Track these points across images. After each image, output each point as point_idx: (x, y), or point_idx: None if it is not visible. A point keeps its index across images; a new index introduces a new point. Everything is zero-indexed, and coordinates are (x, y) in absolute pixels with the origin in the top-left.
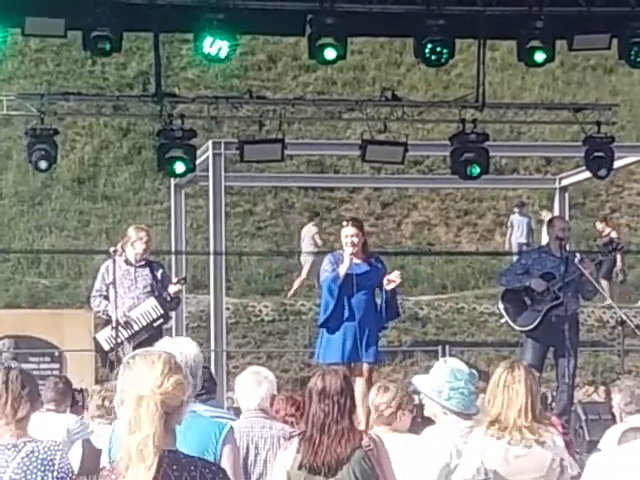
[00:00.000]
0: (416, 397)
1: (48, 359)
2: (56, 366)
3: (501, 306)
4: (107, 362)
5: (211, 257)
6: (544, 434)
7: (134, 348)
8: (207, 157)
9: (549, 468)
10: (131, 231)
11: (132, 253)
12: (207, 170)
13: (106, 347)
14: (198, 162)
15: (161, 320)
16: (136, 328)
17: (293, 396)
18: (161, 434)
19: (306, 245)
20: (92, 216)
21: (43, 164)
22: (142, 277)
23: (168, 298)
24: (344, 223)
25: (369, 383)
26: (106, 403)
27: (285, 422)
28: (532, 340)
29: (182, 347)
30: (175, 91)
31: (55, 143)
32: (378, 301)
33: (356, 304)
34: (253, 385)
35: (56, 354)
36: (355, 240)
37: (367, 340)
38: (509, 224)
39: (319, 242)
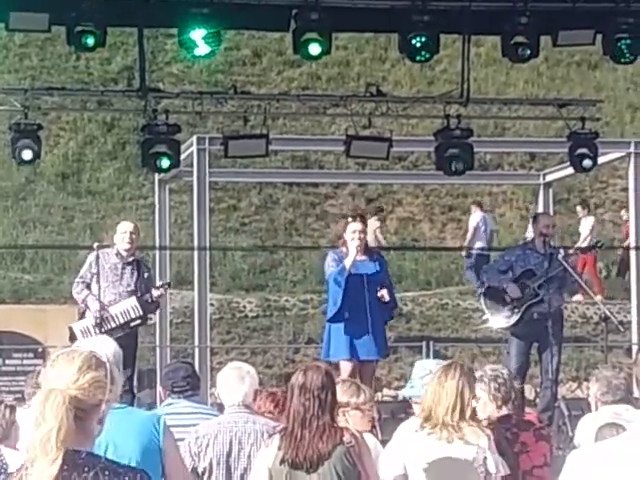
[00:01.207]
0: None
1: (32, 355)
2: (40, 362)
3: (482, 303)
4: None
5: (195, 253)
6: (469, 434)
7: None
8: (191, 152)
9: (469, 467)
10: (120, 225)
11: (121, 246)
12: (191, 165)
13: (80, 338)
14: (182, 157)
15: (139, 321)
16: (112, 325)
17: (274, 392)
18: (68, 429)
19: (369, 241)
20: (76, 211)
21: (27, 155)
22: (128, 274)
23: (149, 300)
24: (349, 219)
25: (372, 378)
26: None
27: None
28: (515, 337)
29: (100, 346)
30: (159, 86)
31: (39, 138)
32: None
33: (363, 301)
34: (236, 381)
35: (40, 350)
36: (362, 236)
37: (375, 336)
38: (469, 226)
39: (380, 238)
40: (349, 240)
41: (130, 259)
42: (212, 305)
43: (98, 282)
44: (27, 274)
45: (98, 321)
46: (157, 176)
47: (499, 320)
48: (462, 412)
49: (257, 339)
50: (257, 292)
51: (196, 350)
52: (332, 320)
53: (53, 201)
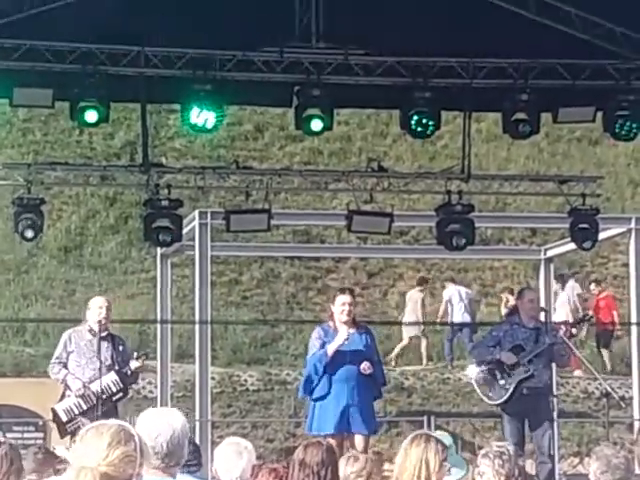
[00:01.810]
0: None
1: (32, 428)
2: (40, 435)
3: (473, 381)
4: (66, 433)
5: (197, 326)
6: None
7: (91, 421)
8: (193, 227)
9: None
10: (91, 301)
11: (93, 321)
12: (193, 239)
13: (64, 418)
14: (184, 232)
15: (120, 394)
16: (94, 401)
17: (275, 468)
18: None
19: (409, 310)
20: (78, 285)
21: (29, 233)
22: (104, 349)
23: (128, 373)
24: (338, 292)
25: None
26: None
27: None
28: (507, 414)
29: (168, 417)
30: (162, 161)
31: (42, 212)
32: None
33: (348, 376)
34: (233, 456)
35: (40, 423)
36: (351, 309)
37: (361, 411)
38: (446, 299)
39: (420, 310)
40: (337, 313)
41: (104, 334)
42: (213, 379)
43: (76, 360)
44: (29, 347)
45: (80, 399)
46: (159, 250)
47: (493, 397)
48: None
49: (258, 413)
50: (258, 366)
51: (197, 424)
52: (307, 394)
53: (55, 274)
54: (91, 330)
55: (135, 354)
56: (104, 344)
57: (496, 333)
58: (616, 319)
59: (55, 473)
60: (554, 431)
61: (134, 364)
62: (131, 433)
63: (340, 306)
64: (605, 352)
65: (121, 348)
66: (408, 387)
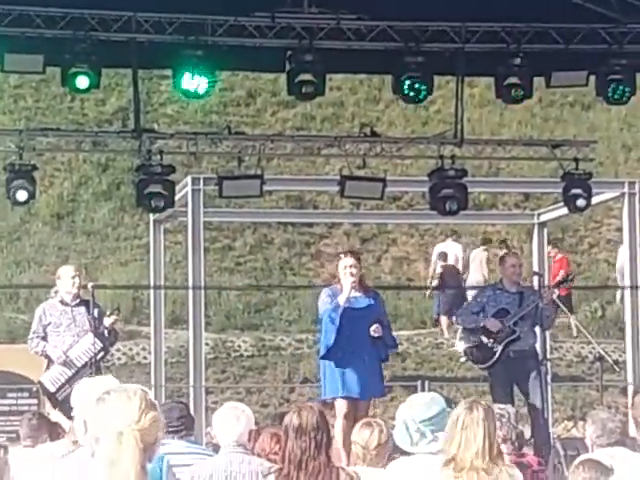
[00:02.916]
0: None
1: (26, 394)
2: (34, 401)
3: (462, 351)
4: (57, 402)
5: (190, 292)
6: (500, 475)
7: None
8: (186, 193)
9: None
10: (60, 271)
11: (65, 292)
12: (186, 206)
13: (52, 389)
14: (177, 198)
15: (101, 353)
16: (79, 365)
17: (277, 432)
18: (141, 470)
19: (474, 270)
20: (71, 251)
21: (21, 195)
22: (80, 315)
23: (105, 333)
24: (341, 255)
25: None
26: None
27: (269, 460)
28: (495, 378)
29: (106, 383)
30: (154, 127)
31: (34, 179)
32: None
33: (357, 338)
34: (232, 420)
35: (34, 389)
36: (354, 271)
37: (371, 374)
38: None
39: (485, 269)
40: (342, 276)
41: (76, 301)
42: (207, 344)
43: (54, 331)
44: (22, 314)
45: (64, 367)
46: (152, 216)
47: (479, 359)
48: (491, 454)
49: (252, 378)
50: (252, 331)
51: (191, 390)
52: (325, 357)
53: (48, 241)
54: (62, 301)
55: (107, 312)
56: (78, 310)
57: (480, 299)
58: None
59: (50, 438)
60: (546, 393)
61: (108, 321)
62: (152, 398)
63: (342, 269)
64: (572, 317)
65: (96, 311)
66: (402, 352)
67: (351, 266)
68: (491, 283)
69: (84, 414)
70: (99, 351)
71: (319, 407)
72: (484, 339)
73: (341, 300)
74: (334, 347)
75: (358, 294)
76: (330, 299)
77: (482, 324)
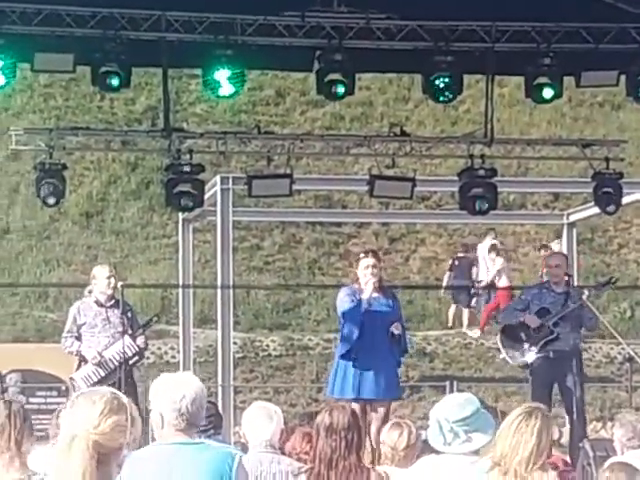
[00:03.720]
0: (422, 432)
1: (55, 393)
2: (63, 400)
3: (499, 341)
4: None
5: (219, 291)
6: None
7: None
8: (215, 192)
9: None
10: (95, 270)
11: (99, 292)
12: (215, 205)
13: (83, 387)
14: (206, 197)
15: (136, 358)
16: (112, 366)
17: (309, 432)
18: (91, 475)
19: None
20: (100, 250)
21: (51, 200)
22: (114, 316)
23: (139, 344)
24: (362, 255)
25: (386, 419)
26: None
27: (300, 460)
28: (535, 376)
29: (188, 380)
30: (183, 126)
31: (64, 178)
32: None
33: (374, 339)
34: (263, 420)
35: (63, 388)
36: (375, 271)
37: (385, 375)
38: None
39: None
40: (362, 276)
41: (111, 302)
42: (235, 344)
43: (89, 331)
44: (51, 313)
45: (97, 366)
46: (181, 215)
47: (517, 357)
48: (536, 462)
49: (280, 378)
50: (280, 331)
51: (219, 389)
52: (345, 357)
53: (77, 240)
54: (97, 301)
55: (141, 322)
56: (112, 311)
57: (525, 297)
58: None
59: None
60: (583, 395)
61: (139, 340)
62: (123, 402)
63: (364, 269)
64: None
65: (129, 314)
66: (430, 352)
67: (373, 266)
68: (540, 282)
69: (161, 408)
70: (134, 355)
71: (351, 407)
72: (522, 337)
73: (364, 296)
74: (354, 347)
75: (378, 295)
76: (350, 298)
77: (522, 319)
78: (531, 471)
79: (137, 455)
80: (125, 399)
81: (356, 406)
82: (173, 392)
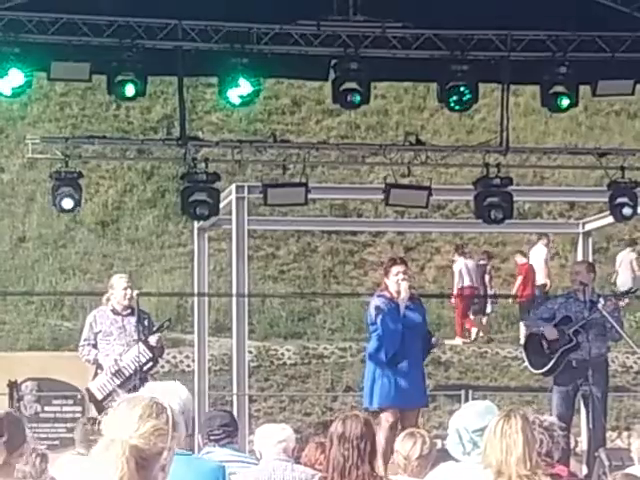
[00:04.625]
0: (438, 442)
1: (71, 402)
2: (79, 409)
3: (522, 349)
4: (103, 410)
5: (234, 300)
6: None
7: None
8: (230, 200)
9: None
10: (113, 279)
11: (116, 302)
12: (230, 213)
13: (99, 396)
14: (222, 205)
15: (150, 364)
16: (127, 374)
17: (322, 442)
18: (130, 479)
19: (622, 270)
20: (115, 259)
21: (67, 203)
22: (130, 325)
23: (154, 345)
24: (391, 262)
25: (416, 426)
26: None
27: (315, 470)
28: (557, 385)
29: (172, 391)
30: (199, 135)
31: (79, 186)
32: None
33: (411, 347)
34: (277, 430)
35: (79, 397)
36: (407, 277)
37: (419, 384)
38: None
39: (636, 268)
40: (393, 282)
41: (128, 311)
42: (250, 352)
43: (105, 339)
44: (66, 321)
45: (113, 376)
46: (196, 224)
47: (536, 365)
48: (531, 461)
49: (295, 387)
50: (295, 340)
51: (234, 398)
52: (389, 364)
53: (92, 249)
54: (114, 310)
55: (154, 327)
56: (128, 320)
57: (551, 305)
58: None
59: None
60: (605, 405)
61: (153, 339)
62: (163, 406)
63: (394, 275)
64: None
65: (146, 322)
66: (445, 361)
67: (405, 272)
68: (567, 291)
69: None
70: (147, 361)
71: (365, 416)
72: (544, 344)
73: (401, 306)
74: (395, 354)
75: (409, 303)
76: (386, 306)
77: (542, 330)
78: (530, 470)
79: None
80: (166, 403)
81: (392, 414)
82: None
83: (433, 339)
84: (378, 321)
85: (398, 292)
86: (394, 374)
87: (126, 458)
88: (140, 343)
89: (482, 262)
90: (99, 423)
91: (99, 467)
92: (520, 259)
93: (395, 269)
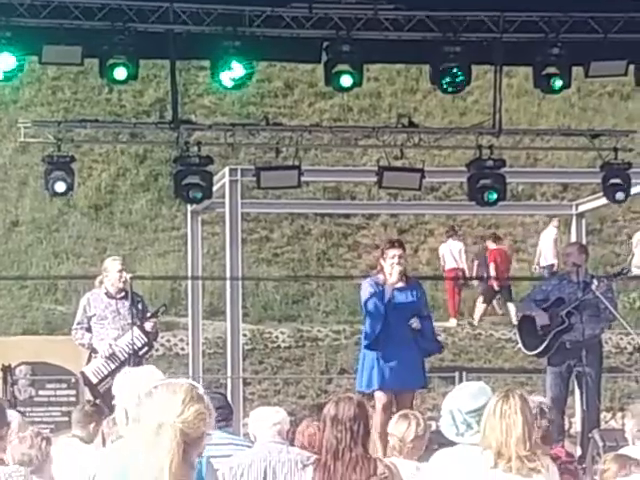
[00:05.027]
0: (432, 423)
1: (65, 386)
2: (73, 393)
3: (516, 330)
4: (98, 394)
5: (227, 283)
6: (540, 462)
7: None
8: (224, 184)
9: None
10: (107, 262)
11: (110, 284)
12: (224, 197)
13: (94, 380)
14: (215, 189)
15: (146, 349)
16: (122, 358)
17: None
18: (179, 463)
19: (638, 252)
20: (109, 243)
21: (60, 187)
22: (124, 308)
23: (149, 330)
24: (387, 245)
25: (411, 409)
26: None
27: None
28: (550, 366)
29: (148, 376)
30: (192, 118)
31: (72, 170)
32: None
33: (401, 329)
34: (270, 412)
35: (73, 381)
36: (402, 261)
37: (411, 366)
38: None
39: None
40: (388, 265)
41: (122, 294)
42: (244, 336)
43: (99, 323)
44: (60, 305)
45: (108, 359)
46: (189, 207)
47: (529, 346)
48: (530, 441)
49: (289, 370)
50: (289, 323)
51: (229, 381)
52: (370, 347)
53: (86, 232)
54: (107, 293)
55: (148, 313)
56: (122, 303)
57: (545, 287)
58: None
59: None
60: (598, 386)
61: (149, 325)
62: (200, 392)
63: (390, 258)
64: (511, 305)
65: (140, 306)
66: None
67: (400, 256)
68: (560, 273)
69: (125, 404)
70: (143, 346)
71: (358, 398)
72: (538, 327)
73: (388, 290)
74: (379, 337)
75: (402, 285)
76: (374, 289)
77: (533, 314)
78: (529, 450)
79: (105, 452)
80: (201, 389)
81: (384, 396)
82: (137, 387)
83: (411, 322)
84: (365, 304)
85: (391, 275)
86: (384, 356)
87: (177, 442)
88: (135, 327)
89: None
90: (97, 406)
91: (151, 451)
92: (491, 244)
93: (391, 252)
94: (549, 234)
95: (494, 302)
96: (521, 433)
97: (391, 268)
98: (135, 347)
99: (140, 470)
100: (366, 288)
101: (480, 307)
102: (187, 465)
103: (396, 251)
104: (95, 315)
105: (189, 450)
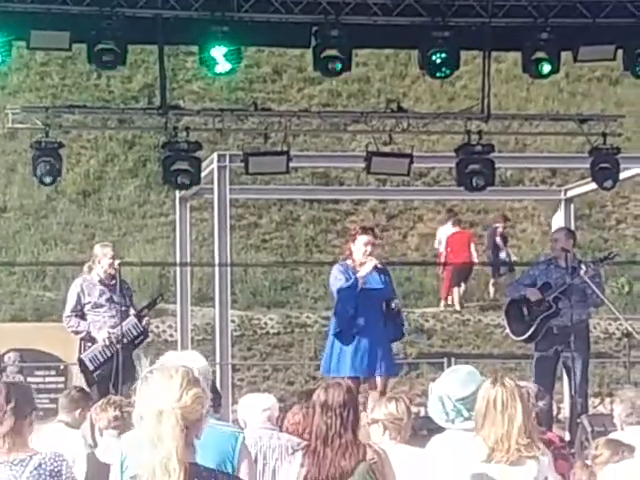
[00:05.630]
0: (421, 410)
1: (54, 372)
2: (62, 379)
3: (504, 316)
4: (93, 381)
5: (216, 269)
6: (535, 450)
7: (113, 367)
8: (212, 170)
9: None
10: (97, 249)
11: (103, 271)
12: (212, 183)
13: (91, 367)
14: (203, 175)
15: (142, 337)
16: (119, 347)
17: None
18: (183, 448)
19: None
20: (97, 229)
21: (47, 179)
22: (117, 296)
23: (143, 324)
24: (359, 231)
25: (383, 396)
26: (125, 415)
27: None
28: (538, 352)
29: (191, 360)
30: (180, 104)
31: (60, 156)
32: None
33: (369, 316)
34: (260, 398)
35: (62, 367)
36: (373, 249)
37: (381, 353)
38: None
39: None
40: (360, 252)
41: (114, 281)
42: (233, 322)
43: (94, 310)
44: (49, 292)
45: (105, 348)
46: (178, 193)
47: (517, 332)
48: (529, 429)
49: (278, 356)
50: (278, 309)
51: (217, 367)
52: (339, 335)
53: (74, 219)
54: (101, 281)
55: (145, 311)
56: (114, 289)
57: (532, 272)
58: (474, 258)
59: (83, 412)
60: (586, 371)
61: (145, 321)
62: (195, 375)
63: (363, 246)
64: (457, 290)
65: (130, 293)
66: (428, 329)
67: (372, 244)
68: (548, 258)
69: None
70: (140, 334)
71: (347, 384)
72: (524, 311)
73: (360, 277)
74: (349, 325)
75: (372, 271)
76: (344, 276)
77: (524, 293)
78: (528, 439)
79: (132, 437)
80: (196, 372)
81: (352, 383)
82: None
83: (392, 303)
84: (335, 289)
85: (362, 264)
86: (350, 344)
87: (180, 427)
88: (132, 316)
89: (495, 225)
90: (83, 391)
91: (155, 438)
92: (450, 228)
93: (361, 239)
94: (558, 219)
95: (490, 285)
96: (521, 422)
97: (364, 257)
98: (132, 335)
99: (148, 459)
100: (336, 275)
101: (455, 292)
102: (189, 448)
103: (367, 238)
104: (90, 302)
105: (189, 433)
